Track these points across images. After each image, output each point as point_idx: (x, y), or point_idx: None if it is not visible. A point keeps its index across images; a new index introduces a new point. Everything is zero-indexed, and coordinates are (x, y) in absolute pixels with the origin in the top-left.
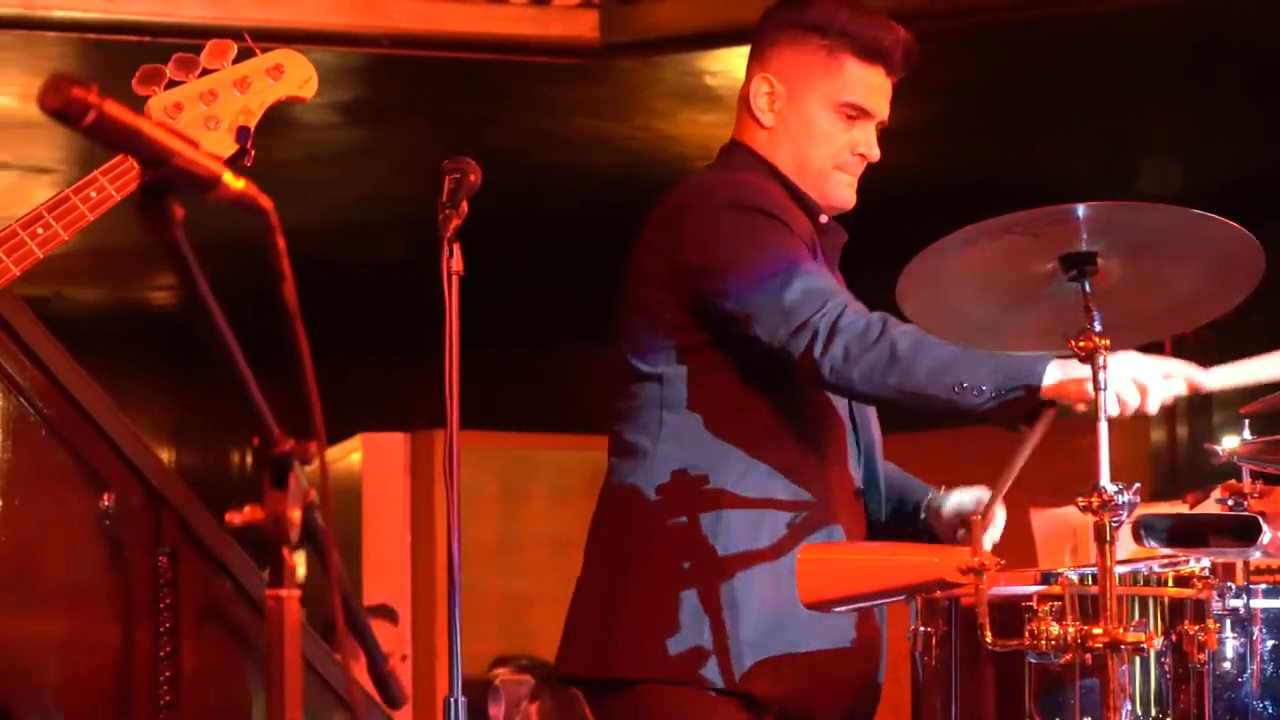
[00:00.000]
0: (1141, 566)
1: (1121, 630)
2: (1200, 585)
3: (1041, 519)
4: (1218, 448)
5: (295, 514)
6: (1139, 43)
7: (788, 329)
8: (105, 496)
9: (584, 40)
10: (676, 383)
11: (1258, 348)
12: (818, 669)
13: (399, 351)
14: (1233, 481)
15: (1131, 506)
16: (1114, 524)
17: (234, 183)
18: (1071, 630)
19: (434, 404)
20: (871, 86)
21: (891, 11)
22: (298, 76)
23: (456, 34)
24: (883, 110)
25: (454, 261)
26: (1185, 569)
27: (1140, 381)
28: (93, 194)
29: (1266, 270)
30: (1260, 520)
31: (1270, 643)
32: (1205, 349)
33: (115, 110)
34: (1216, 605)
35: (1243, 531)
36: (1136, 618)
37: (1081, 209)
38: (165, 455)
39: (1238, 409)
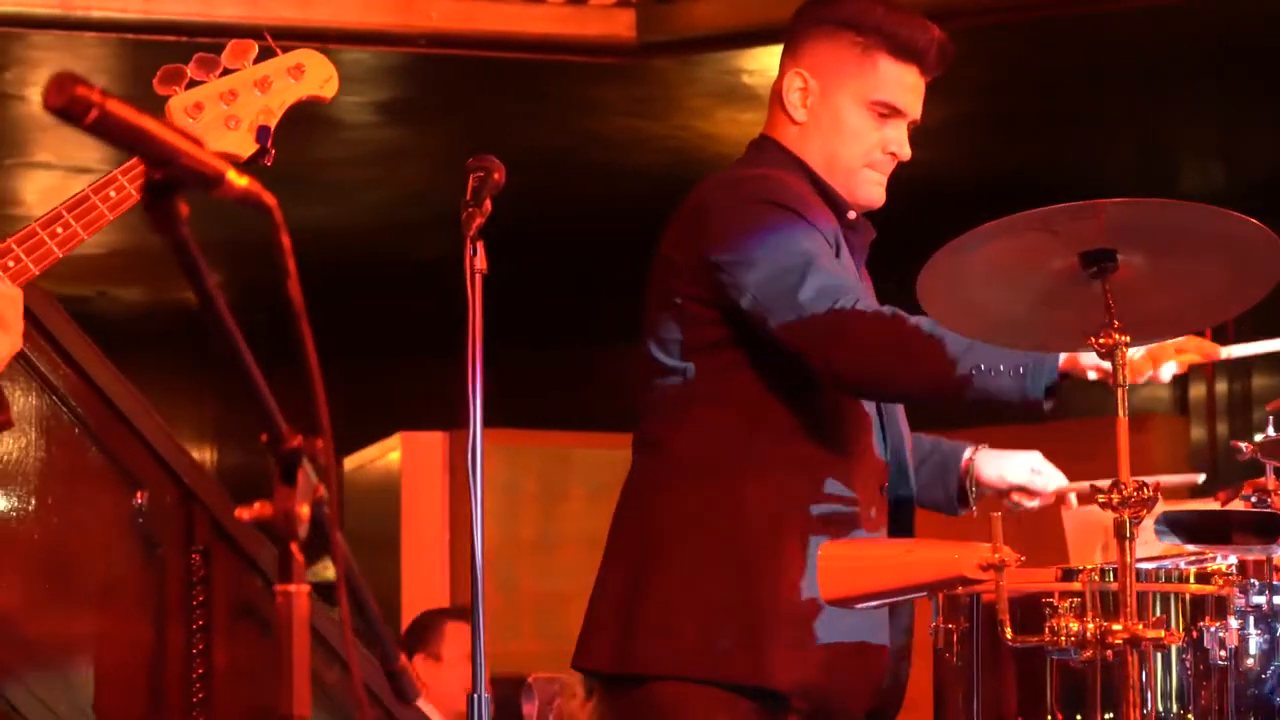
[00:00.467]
0: (1168, 563)
1: (1141, 626)
2: (1221, 582)
3: (1073, 516)
4: (1242, 445)
5: (304, 510)
6: (1175, 40)
7: (800, 326)
8: (138, 495)
9: (621, 39)
10: (700, 377)
11: None
12: (841, 664)
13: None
14: (1262, 480)
15: (1152, 503)
16: (1134, 520)
17: (238, 180)
18: (1091, 626)
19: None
20: (905, 85)
21: (923, 9)
22: (318, 76)
23: (493, 33)
24: (915, 109)
25: (477, 259)
26: (1211, 566)
27: (1154, 353)
28: (112, 193)
29: None
30: None
31: None
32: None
33: (118, 108)
34: (1240, 602)
35: (1265, 528)
36: (1158, 614)
37: (1100, 205)
38: (207, 455)
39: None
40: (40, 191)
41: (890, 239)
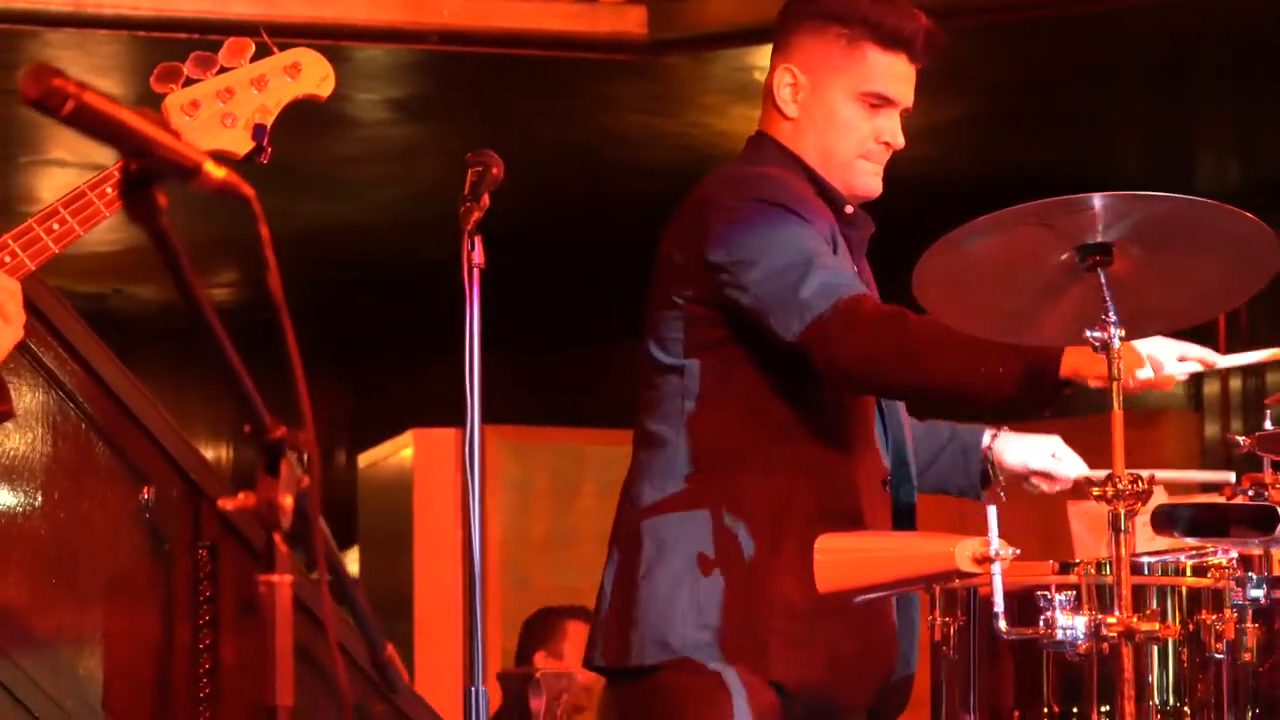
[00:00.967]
0: (1166, 557)
1: (1137, 619)
2: (1218, 575)
3: (1078, 511)
4: (1239, 438)
5: (287, 500)
6: (1187, 37)
7: (801, 324)
8: (145, 490)
9: (632, 36)
10: (699, 375)
11: None
12: (843, 659)
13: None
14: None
15: (1147, 496)
16: (1129, 514)
17: (215, 171)
18: (1087, 620)
19: (488, 399)
20: (894, 74)
21: (933, 8)
22: (315, 75)
23: (504, 30)
24: (906, 98)
25: (475, 255)
26: (1211, 560)
27: (1154, 358)
28: (108, 190)
29: None
30: (1279, 510)
31: None
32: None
33: (95, 100)
34: (1237, 596)
35: (1261, 521)
36: (1154, 608)
37: (1096, 199)
38: (223, 453)
39: None
40: (56, 189)
41: (899, 238)
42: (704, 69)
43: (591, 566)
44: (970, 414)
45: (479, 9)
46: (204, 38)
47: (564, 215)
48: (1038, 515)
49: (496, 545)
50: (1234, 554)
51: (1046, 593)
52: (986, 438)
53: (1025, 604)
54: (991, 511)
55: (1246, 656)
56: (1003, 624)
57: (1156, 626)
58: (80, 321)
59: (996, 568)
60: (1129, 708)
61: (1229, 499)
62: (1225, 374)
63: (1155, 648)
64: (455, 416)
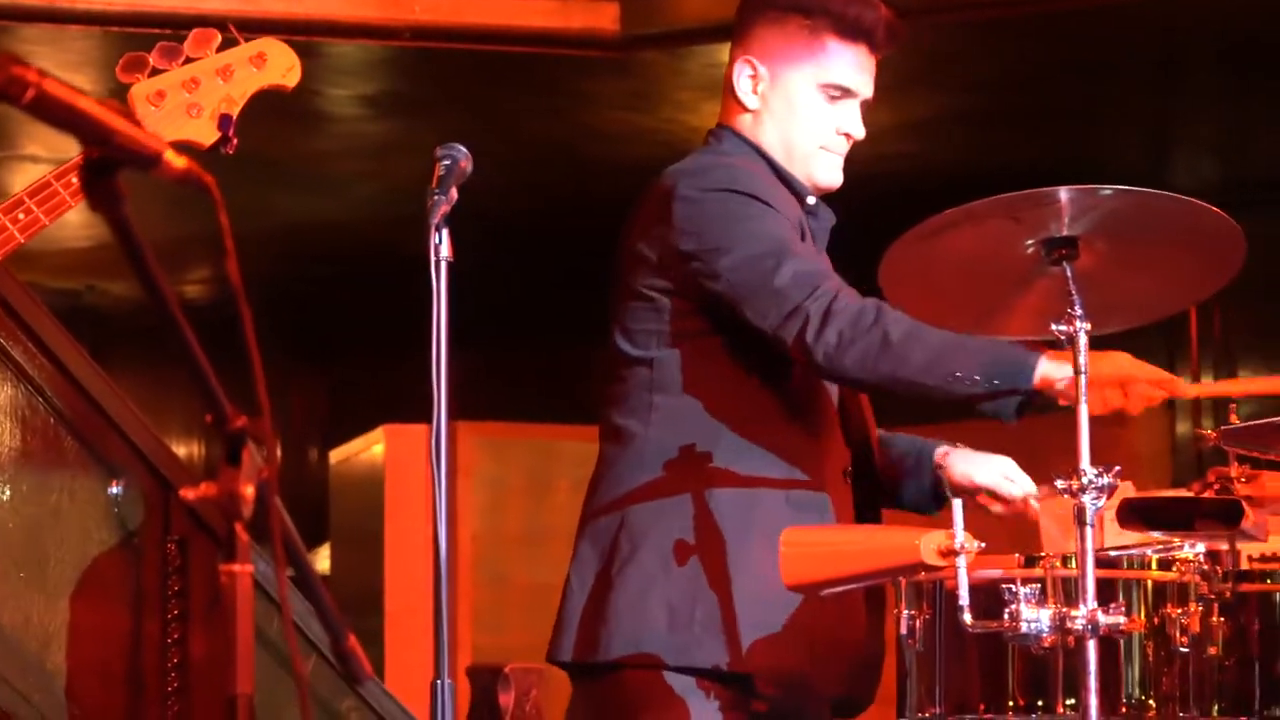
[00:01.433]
0: (1134, 551)
1: (1102, 613)
2: (1183, 569)
3: (1047, 506)
4: (1208, 432)
5: (248, 490)
6: (1169, 35)
7: (779, 313)
8: (114, 484)
9: (605, 33)
10: (666, 366)
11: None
12: (810, 650)
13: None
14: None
15: (1111, 489)
16: (1094, 506)
17: (175, 160)
18: (1052, 613)
19: (457, 395)
20: (855, 66)
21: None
22: (281, 65)
23: (477, 26)
24: (867, 89)
25: (442, 248)
26: (1179, 554)
27: (1125, 383)
28: (74, 179)
29: None
30: (1243, 504)
31: (1257, 626)
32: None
33: (55, 88)
34: (1203, 590)
35: (1226, 515)
36: (1120, 601)
37: (1062, 192)
38: (195, 449)
39: (1260, 405)
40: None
41: (883, 232)
42: (678, 65)
43: (566, 563)
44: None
45: (451, 5)
46: (176, 33)
47: (539, 211)
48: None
49: (470, 541)
50: (1200, 548)
51: (1012, 586)
52: (938, 453)
53: (990, 597)
54: (957, 505)
55: (1212, 650)
56: (968, 617)
57: (1122, 620)
58: (49, 316)
59: (961, 561)
60: (1095, 701)
61: (1196, 494)
62: (1197, 373)
63: (1120, 641)
64: (428, 413)
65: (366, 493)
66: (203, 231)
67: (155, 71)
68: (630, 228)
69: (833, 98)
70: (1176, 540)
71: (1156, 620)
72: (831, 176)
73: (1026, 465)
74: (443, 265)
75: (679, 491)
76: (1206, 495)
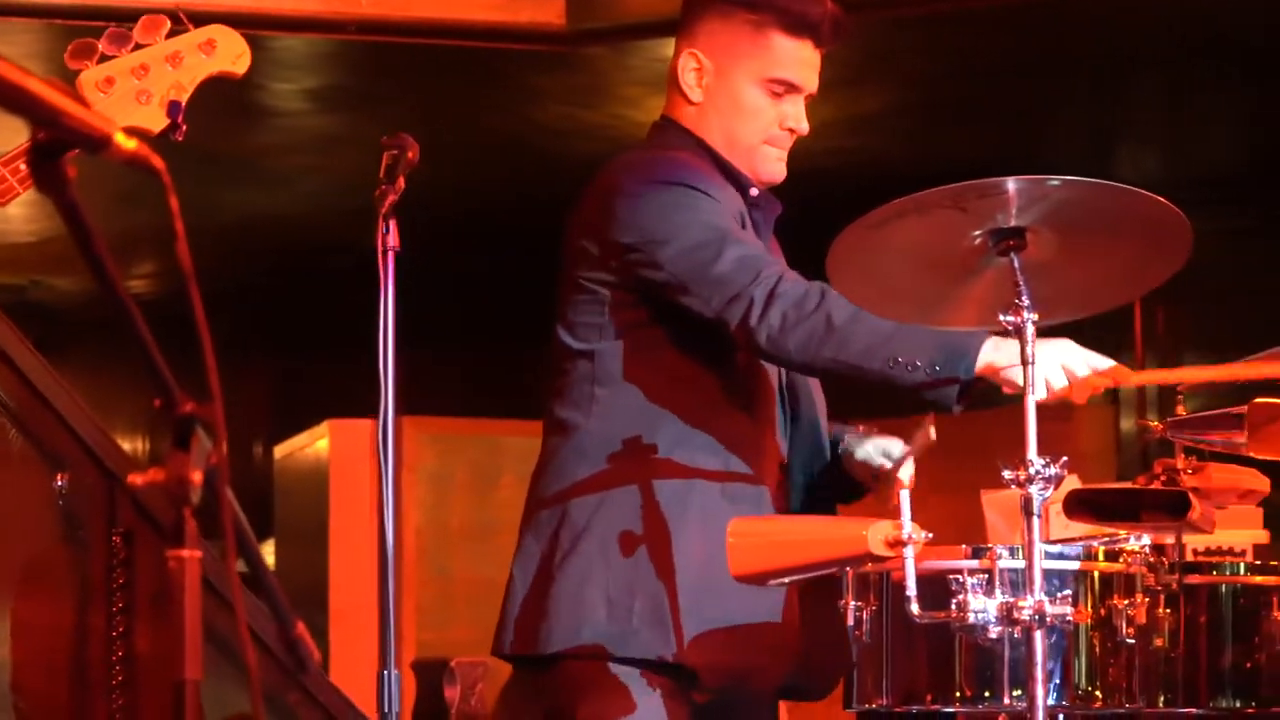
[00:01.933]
0: (1081, 543)
1: (1049, 603)
2: (1130, 560)
3: (992, 500)
4: (1152, 423)
5: (197, 476)
6: (1112, 30)
7: (721, 299)
8: (59, 476)
9: (551, 27)
10: (608, 359)
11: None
12: (751, 641)
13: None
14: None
15: (1058, 480)
16: (1040, 497)
17: (125, 143)
18: (999, 603)
19: (402, 390)
20: (799, 60)
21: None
22: (230, 52)
23: (423, 20)
24: (811, 84)
25: (389, 238)
26: (1126, 546)
27: (1069, 369)
28: (22, 166)
29: (1242, 260)
30: (1190, 495)
31: (1203, 618)
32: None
33: (3, 69)
34: (1149, 581)
35: (1173, 506)
36: (1067, 592)
37: (1010, 183)
38: (140, 444)
39: (1206, 398)
40: None
41: (826, 227)
42: (624, 60)
43: (511, 558)
44: (879, 406)
45: None
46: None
47: (483, 206)
48: (952, 502)
49: (414, 536)
50: (1146, 540)
51: (959, 576)
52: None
53: (937, 588)
54: (904, 495)
55: (1158, 642)
56: (916, 608)
57: (1069, 611)
58: None
59: (909, 551)
60: (1040, 691)
61: (1143, 485)
62: (1141, 369)
63: (1068, 632)
64: (373, 408)
65: (311, 488)
66: (148, 226)
67: (104, 58)
68: (572, 221)
69: (776, 93)
70: (1121, 533)
71: (1103, 611)
72: (775, 170)
73: (972, 460)
74: (390, 255)
75: (620, 483)
76: (1153, 487)
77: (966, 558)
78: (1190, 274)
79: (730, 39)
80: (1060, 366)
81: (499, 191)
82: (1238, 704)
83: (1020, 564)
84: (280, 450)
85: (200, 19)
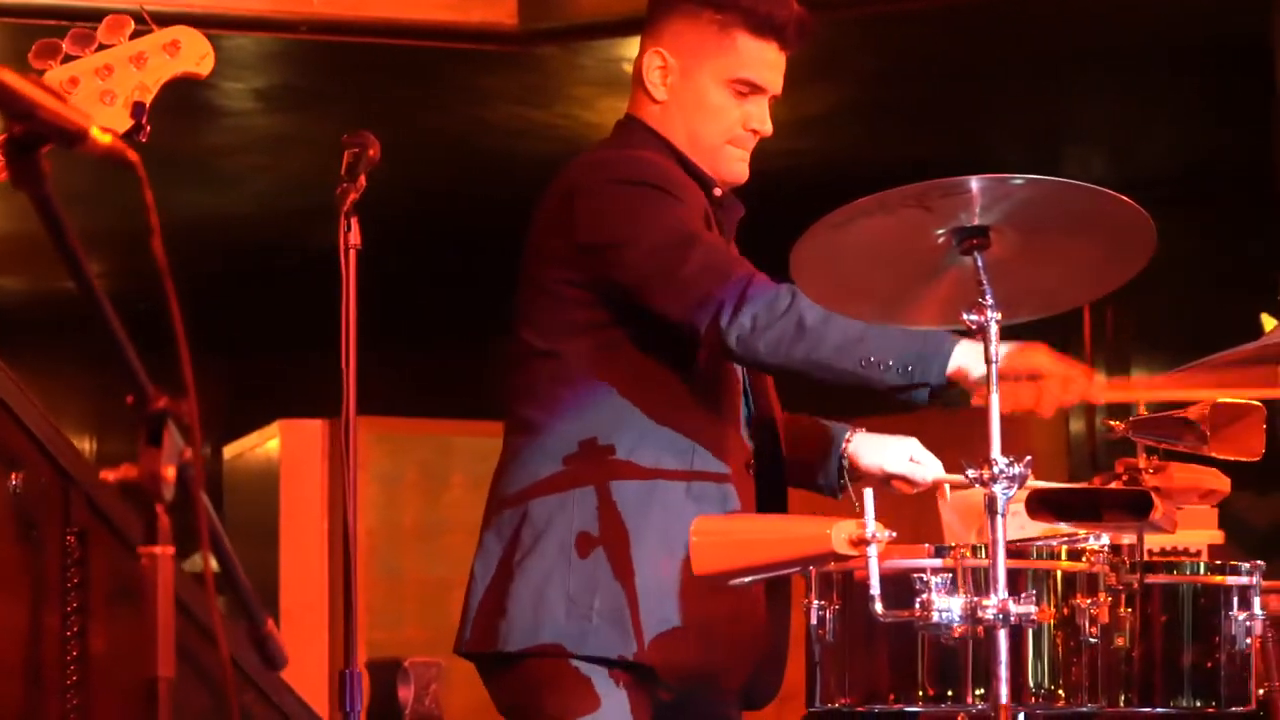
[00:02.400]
0: (1040, 542)
1: (1013, 602)
2: (1093, 559)
3: (948, 502)
4: (1114, 423)
5: (170, 472)
6: (1059, 30)
7: (689, 302)
8: (13, 475)
9: (503, 27)
10: (572, 359)
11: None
12: (713, 640)
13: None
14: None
15: (1022, 479)
16: (1004, 496)
17: (101, 137)
18: (963, 602)
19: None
20: (765, 62)
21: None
22: (194, 53)
23: (375, 20)
24: (776, 85)
25: (351, 236)
26: (1084, 545)
27: (1037, 376)
28: None
29: (1191, 260)
30: (1153, 495)
31: (1164, 617)
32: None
33: None
34: (1111, 581)
35: (1135, 506)
36: (1030, 591)
37: (974, 182)
38: (86, 445)
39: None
40: None
41: (777, 226)
42: (574, 60)
43: (461, 558)
44: (840, 404)
45: None
46: (71, 24)
47: (434, 206)
48: (908, 501)
49: (365, 536)
50: (1105, 539)
51: (923, 575)
52: (844, 438)
53: (900, 587)
54: (868, 494)
55: (1120, 641)
56: (879, 607)
57: (1033, 610)
58: None
59: (873, 550)
60: (1004, 691)
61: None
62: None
63: (1030, 631)
64: (322, 408)
65: (261, 488)
66: (97, 227)
67: (68, 58)
68: (536, 220)
69: (741, 93)
70: (1081, 532)
71: (1066, 611)
72: (737, 171)
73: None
74: (352, 253)
75: (581, 483)
76: (1115, 486)
77: (929, 556)
78: (1139, 274)
79: (696, 38)
80: (1029, 375)
81: (446, 190)
82: (1198, 704)
83: (983, 563)
84: (230, 450)
85: (153, 18)
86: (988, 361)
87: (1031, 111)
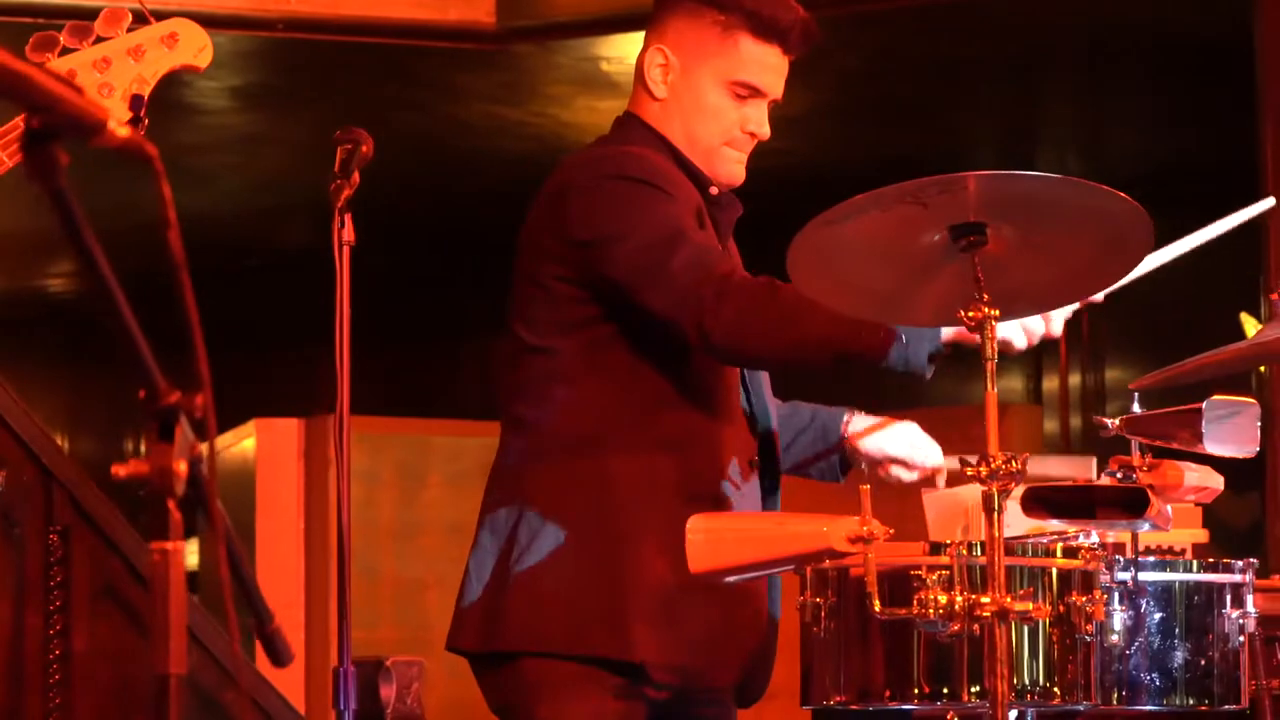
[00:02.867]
0: (1031, 540)
1: (1009, 599)
2: (1088, 557)
3: (933, 499)
4: (1107, 421)
5: (181, 467)
6: (1032, 30)
7: (674, 299)
8: None
9: (480, 25)
10: (567, 356)
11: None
12: (707, 639)
13: (295, 337)
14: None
15: (1019, 476)
16: (1002, 493)
17: (119, 129)
18: (959, 599)
19: (328, 390)
20: (766, 65)
21: None
22: (192, 45)
23: (351, 18)
24: (777, 89)
25: (345, 232)
26: (1079, 543)
27: (1026, 325)
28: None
29: (1170, 264)
30: (1148, 493)
31: (1157, 615)
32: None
33: None
34: (1105, 578)
35: (1131, 504)
36: (1026, 588)
37: (971, 178)
38: (60, 442)
39: (1130, 397)
40: None
41: (758, 226)
42: (551, 59)
43: (438, 557)
44: (828, 398)
45: None
46: (50, 22)
47: (411, 205)
48: (891, 500)
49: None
50: (1095, 537)
51: (920, 572)
52: (843, 421)
53: (896, 584)
54: (865, 491)
55: (1114, 639)
56: (877, 604)
57: (1030, 607)
58: None
59: (870, 548)
60: (1000, 688)
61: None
62: (1065, 370)
63: (1025, 628)
64: (298, 406)
65: (237, 487)
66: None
67: (65, 51)
68: (530, 216)
69: (740, 95)
70: (1072, 530)
71: (1061, 608)
72: (734, 173)
73: None
74: (345, 250)
75: (578, 480)
76: (1109, 483)
77: (925, 554)
78: None
79: (698, 38)
80: (1019, 324)
81: (421, 189)
82: (1190, 702)
83: (980, 560)
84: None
85: (133, 15)
86: (985, 359)
87: (1005, 111)
